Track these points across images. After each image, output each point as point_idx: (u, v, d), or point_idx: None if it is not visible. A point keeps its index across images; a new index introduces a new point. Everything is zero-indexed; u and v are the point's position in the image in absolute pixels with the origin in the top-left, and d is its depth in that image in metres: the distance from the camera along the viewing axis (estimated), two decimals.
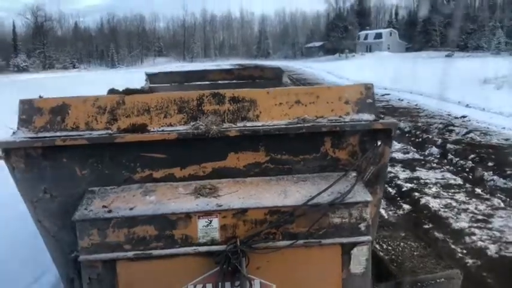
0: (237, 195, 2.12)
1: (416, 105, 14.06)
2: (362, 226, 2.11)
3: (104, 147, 2.15)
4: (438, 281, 2.47)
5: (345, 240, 2.10)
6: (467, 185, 6.04)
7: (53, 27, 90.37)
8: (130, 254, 2.04)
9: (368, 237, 2.12)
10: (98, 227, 2.02)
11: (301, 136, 2.21)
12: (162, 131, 2.17)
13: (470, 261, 3.86)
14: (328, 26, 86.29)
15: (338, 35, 77.33)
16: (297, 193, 2.14)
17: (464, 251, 4.01)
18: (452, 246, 4.10)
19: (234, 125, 2.20)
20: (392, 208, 5.30)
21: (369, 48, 75.47)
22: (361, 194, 2.13)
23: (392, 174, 6.60)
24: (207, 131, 2.13)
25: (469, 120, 10.84)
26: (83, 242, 2.02)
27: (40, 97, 2.26)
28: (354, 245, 2.12)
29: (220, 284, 2.01)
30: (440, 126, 10.24)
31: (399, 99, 15.51)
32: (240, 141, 2.19)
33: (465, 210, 5.05)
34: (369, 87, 2.34)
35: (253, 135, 2.17)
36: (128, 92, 2.40)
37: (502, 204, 5.21)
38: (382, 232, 3.03)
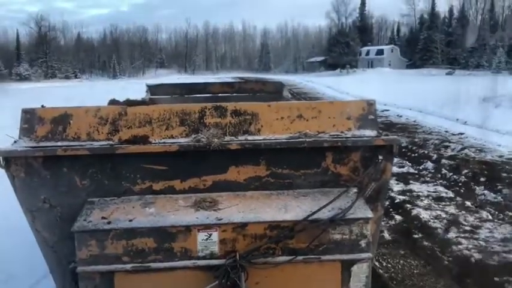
0: (237, 209, 2.11)
1: (414, 121, 14.14)
2: (362, 243, 2.09)
3: (105, 158, 2.15)
4: None
5: (345, 256, 2.09)
6: (458, 198, 6.21)
7: (56, 37, 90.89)
8: (128, 266, 2.02)
9: (368, 254, 2.10)
10: (97, 238, 2.01)
11: (303, 151, 2.21)
12: (164, 143, 2.17)
13: (455, 267, 3.98)
14: (330, 41, 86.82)
15: (340, 51, 77.76)
16: (297, 208, 2.13)
17: (450, 259, 4.14)
18: (439, 255, 4.22)
19: (235, 138, 2.20)
20: (384, 219, 5.37)
21: (370, 64, 75.87)
22: (362, 211, 2.12)
23: None
24: (208, 143, 2.13)
25: (466, 137, 10.94)
26: (81, 253, 2.01)
27: (42, 106, 2.26)
28: (354, 262, 2.10)
29: None
30: (437, 142, 10.37)
31: (398, 115, 15.58)
32: (241, 155, 2.19)
33: (454, 221, 5.23)
34: (371, 103, 2.34)
35: (254, 149, 2.17)
36: (129, 103, 2.41)
37: (490, 217, 5.37)
38: (381, 249, 3.00)
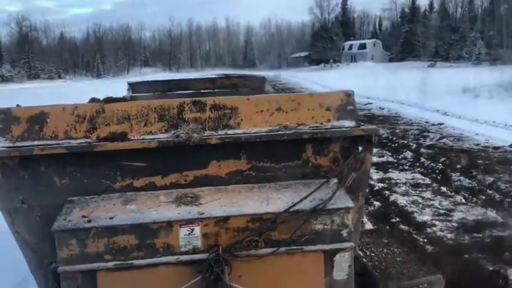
0: (219, 203, 2.11)
1: (396, 113, 14.37)
2: (344, 232, 2.11)
3: (83, 156, 2.13)
4: (421, 286, 2.48)
5: (327, 246, 2.10)
6: (435, 184, 6.50)
7: (38, 37, 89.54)
8: (110, 264, 2.01)
9: (350, 244, 2.12)
10: (78, 237, 1.99)
11: (283, 143, 2.22)
12: (143, 139, 2.15)
13: (429, 247, 4.27)
14: (313, 36, 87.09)
15: (323, 46, 78.04)
16: (279, 200, 2.13)
17: (425, 240, 4.40)
18: (415, 236, 4.49)
19: (215, 133, 2.19)
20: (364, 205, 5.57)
21: (354, 59, 76.44)
22: (342, 201, 2.14)
23: None
24: (188, 139, 2.12)
25: (445, 127, 11.22)
26: (62, 253, 1.99)
27: (18, 106, 2.23)
28: (336, 251, 2.12)
29: None
30: (416, 132, 10.66)
31: (380, 108, 15.81)
32: (222, 149, 2.19)
33: (430, 205, 5.51)
34: (349, 94, 2.36)
35: (234, 143, 2.17)
36: (108, 100, 2.38)
37: (464, 201, 5.68)
38: (364, 239, 3.04)
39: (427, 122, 12.21)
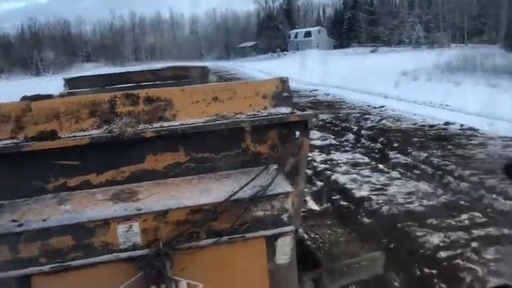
0: (157, 198, 2.08)
1: (340, 98, 14.85)
2: (284, 217, 2.14)
3: (11, 157, 2.02)
4: (362, 264, 2.57)
5: (268, 232, 2.13)
6: (373, 163, 7.01)
7: None
8: (46, 267, 1.93)
9: (291, 227, 2.16)
10: (8, 242, 1.90)
11: (221, 133, 2.21)
12: (74, 136, 2.07)
13: (367, 220, 4.67)
14: (259, 25, 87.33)
15: (269, 35, 78.46)
16: (219, 190, 2.13)
17: (363, 214, 4.77)
18: (354, 211, 4.87)
19: (150, 126, 2.15)
20: (307, 185, 5.91)
21: (300, 47, 77.33)
22: (282, 186, 2.17)
23: (309, 158, 7.35)
24: (121, 133, 2.06)
25: (386, 110, 11.74)
26: None
27: None
28: (278, 236, 2.15)
29: None
30: (358, 115, 11.14)
31: (326, 94, 16.25)
32: (158, 142, 2.15)
33: (367, 182, 5.93)
34: (284, 81, 2.38)
35: (171, 135, 2.14)
36: (36, 98, 2.27)
37: (399, 176, 6.17)
38: (309, 221, 3.11)
39: (368, 106, 12.68)
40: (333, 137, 9.12)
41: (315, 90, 17.35)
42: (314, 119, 2.44)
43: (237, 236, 2.09)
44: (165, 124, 2.17)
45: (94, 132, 2.10)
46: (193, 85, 2.45)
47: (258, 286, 2.14)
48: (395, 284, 3.42)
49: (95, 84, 5.02)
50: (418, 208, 4.85)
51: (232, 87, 2.32)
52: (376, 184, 5.79)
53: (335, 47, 74.62)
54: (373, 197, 5.25)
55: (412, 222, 4.47)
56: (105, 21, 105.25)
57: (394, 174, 6.23)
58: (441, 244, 3.96)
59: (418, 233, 4.21)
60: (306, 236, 2.90)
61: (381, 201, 5.09)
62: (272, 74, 27.93)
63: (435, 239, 3.98)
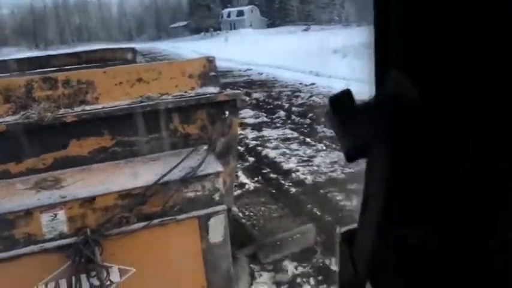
0: (83, 184, 2.01)
1: (273, 77, 15.05)
2: (216, 196, 2.16)
3: None
4: (294, 237, 2.66)
5: (200, 212, 2.14)
6: (301, 137, 7.34)
7: None
8: None
9: (223, 206, 2.18)
10: None
11: (147, 115, 2.17)
12: None
13: (293, 189, 4.90)
14: (191, 5, 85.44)
15: (201, 14, 77.08)
16: (147, 173, 2.10)
17: (290, 184, 5.06)
18: (282, 182, 5.15)
19: (71, 110, 2.06)
20: (239, 162, 6.23)
21: (233, 26, 76.74)
22: (212, 166, 2.18)
23: (242, 136, 7.63)
24: (40, 119, 1.97)
25: (316, 87, 12.15)
26: None
27: None
28: (211, 215, 2.16)
29: (74, 277, 1.90)
30: (289, 93, 11.46)
31: (259, 73, 16.37)
32: (81, 127, 2.07)
33: (295, 155, 6.30)
34: (211, 60, 2.37)
35: (94, 119, 2.07)
36: None
37: (324, 148, 6.55)
38: (244, 200, 3.17)
39: (300, 84, 13.00)
40: (265, 114, 9.41)
41: (248, 69, 17.40)
42: (244, 97, 2.46)
43: (168, 218, 2.08)
44: (87, 108, 2.09)
45: (10, 118, 1.98)
46: (115, 67, 2.36)
47: (191, 266, 2.16)
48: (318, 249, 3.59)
49: (13, 69, 4.69)
50: (340, 176, 5.26)
51: (157, 67, 2.28)
52: (302, 156, 6.16)
53: (268, 26, 74.85)
54: (300, 168, 5.60)
55: (333, 188, 4.83)
56: (24, 4, 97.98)
57: (320, 146, 6.62)
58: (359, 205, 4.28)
59: (339, 197, 4.58)
60: (240, 214, 2.94)
61: (306, 171, 5.44)
62: (206, 54, 27.64)
63: (354, 201, 4.31)
